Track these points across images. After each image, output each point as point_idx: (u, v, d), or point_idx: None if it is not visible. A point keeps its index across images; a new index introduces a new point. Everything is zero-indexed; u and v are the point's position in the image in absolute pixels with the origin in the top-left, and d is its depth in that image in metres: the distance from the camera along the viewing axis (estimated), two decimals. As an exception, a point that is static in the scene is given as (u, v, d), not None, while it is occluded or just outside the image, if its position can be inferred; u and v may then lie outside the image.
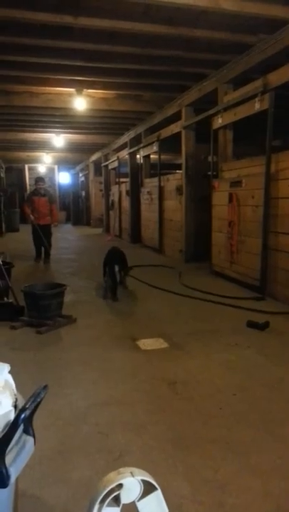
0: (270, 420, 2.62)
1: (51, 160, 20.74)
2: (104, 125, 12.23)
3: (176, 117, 9.05)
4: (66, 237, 9.96)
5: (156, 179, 10.54)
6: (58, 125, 12.13)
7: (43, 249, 9.58)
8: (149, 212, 11.29)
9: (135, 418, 2.67)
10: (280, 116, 5.91)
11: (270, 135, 5.54)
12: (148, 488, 0.97)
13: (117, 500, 0.94)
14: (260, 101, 5.76)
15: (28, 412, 1.07)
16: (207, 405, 2.82)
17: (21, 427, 1.13)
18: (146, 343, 4.03)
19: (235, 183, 6.50)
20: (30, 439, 1.15)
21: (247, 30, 5.61)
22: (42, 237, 9.34)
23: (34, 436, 1.18)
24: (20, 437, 1.13)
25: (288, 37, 5.31)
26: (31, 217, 9.44)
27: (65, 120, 11.17)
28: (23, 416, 1.04)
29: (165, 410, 2.77)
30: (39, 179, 9.98)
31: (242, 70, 6.43)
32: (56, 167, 23.68)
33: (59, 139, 14.05)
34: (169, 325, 4.62)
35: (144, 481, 0.96)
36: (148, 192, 11.22)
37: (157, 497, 0.98)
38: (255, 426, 2.55)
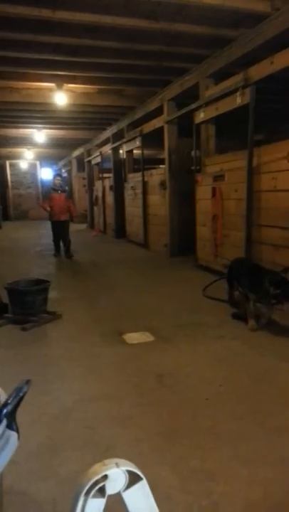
0: (257, 410, 2.64)
1: (33, 156, 20.50)
2: (86, 120, 12.14)
3: (158, 112, 9.02)
4: (51, 234, 9.82)
5: (139, 174, 10.51)
6: (39, 120, 12.00)
7: (61, 245, 9.59)
8: (133, 208, 11.26)
9: (123, 411, 2.67)
10: (261, 110, 5.94)
11: (252, 129, 5.56)
12: (133, 479, 0.97)
13: (102, 491, 0.93)
14: (241, 95, 5.78)
15: (10, 407, 1.05)
16: (195, 397, 2.84)
17: (4, 422, 1.11)
18: (133, 337, 4.03)
19: (218, 177, 6.53)
20: (13, 435, 1.14)
21: (228, 25, 5.61)
22: (60, 233, 9.45)
23: (18, 432, 1.17)
24: (3, 433, 1.11)
25: (269, 31, 5.33)
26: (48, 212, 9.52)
27: (46, 115, 11.04)
28: (5, 411, 1.03)
29: (153, 403, 2.78)
30: (57, 175, 10.40)
31: (223, 65, 6.44)
32: (38, 163, 23.38)
33: (40, 135, 13.89)
34: (154, 319, 4.63)
35: (129, 472, 0.95)
36: (132, 187, 11.19)
37: (143, 487, 0.98)
38: (242, 416, 2.58)
